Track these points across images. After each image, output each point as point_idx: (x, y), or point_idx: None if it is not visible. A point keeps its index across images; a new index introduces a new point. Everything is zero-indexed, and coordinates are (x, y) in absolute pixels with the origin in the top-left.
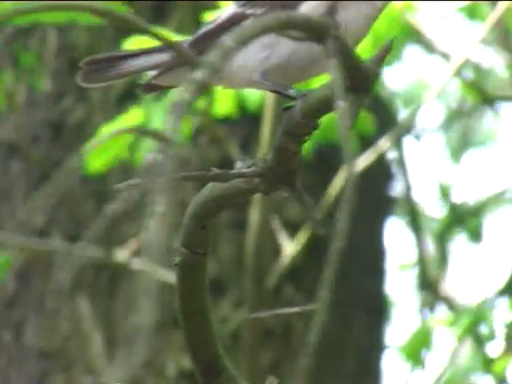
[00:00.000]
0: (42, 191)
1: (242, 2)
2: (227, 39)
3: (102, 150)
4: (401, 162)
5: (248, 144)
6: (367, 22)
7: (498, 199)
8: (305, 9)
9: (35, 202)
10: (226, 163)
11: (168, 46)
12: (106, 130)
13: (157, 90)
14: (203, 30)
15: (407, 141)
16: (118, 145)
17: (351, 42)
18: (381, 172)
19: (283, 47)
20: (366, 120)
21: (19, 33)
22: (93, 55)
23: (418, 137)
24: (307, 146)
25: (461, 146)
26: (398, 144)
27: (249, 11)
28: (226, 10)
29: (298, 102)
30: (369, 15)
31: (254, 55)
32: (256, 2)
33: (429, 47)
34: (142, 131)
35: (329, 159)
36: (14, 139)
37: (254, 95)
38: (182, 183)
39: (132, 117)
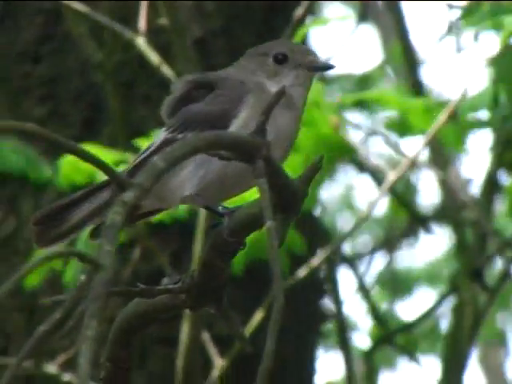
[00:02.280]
0: None
1: (172, 128)
2: (157, 160)
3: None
4: (332, 278)
5: (181, 257)
6: (294, 124)
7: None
8: (235, 127)
9: None
10: (158, 277)
11: (98, 167)
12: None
13: None
14: (137, 158)
15: (339, 260)
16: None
17: (281, 151)
18: (312, 288)
19: (216, 162)
20: (297, 239)
21: None
22: (38, 211)
23: (351, 262)
24: (238, 262)
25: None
26: (329, 262)
27: (179, 136)
28: (158, 136)
29: (225, 219)
30: (294, 117)
31: (190, 176)
32: (186, 125)
33: (361, 165)
34: (73, 254)
35: (260, 274)
36: None
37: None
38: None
39: None
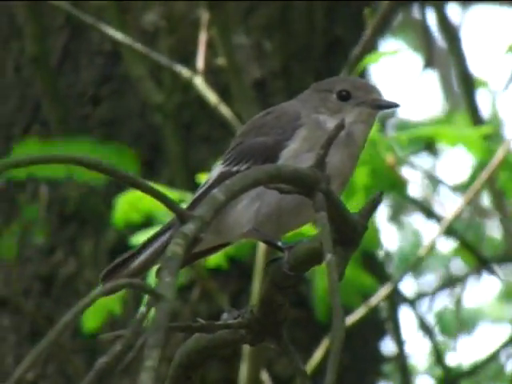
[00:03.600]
0: (33, 350)
1: (227, 161)
2: (217, 192)
3: (96, 308)
4: (394, 318)
5: (240, 297)
6: (349, 162)
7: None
8: (285, 158)
9: (27, 362)
10: (218, 318)
11: (158, 199)
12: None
13: None
14: (197, 193)
15: (401, 300)
16: (111, 299)
17: (339, 183)
18: (373, 328)
19: (271, 195)
20: (367, 279)
21: (11, 187)
22: (106, 268)
23: (412, 303)
24: (321, 310)
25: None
26: (391, 302)
27: (234, 168)
28: (214, 170)
29: (285, 253)
30: (352, 154)
31: (246, 209)
32: (240, 158)
33: (424, 209)
34: (133, 285)
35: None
36: (4, 293)
37: (245, 246)
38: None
39: None
